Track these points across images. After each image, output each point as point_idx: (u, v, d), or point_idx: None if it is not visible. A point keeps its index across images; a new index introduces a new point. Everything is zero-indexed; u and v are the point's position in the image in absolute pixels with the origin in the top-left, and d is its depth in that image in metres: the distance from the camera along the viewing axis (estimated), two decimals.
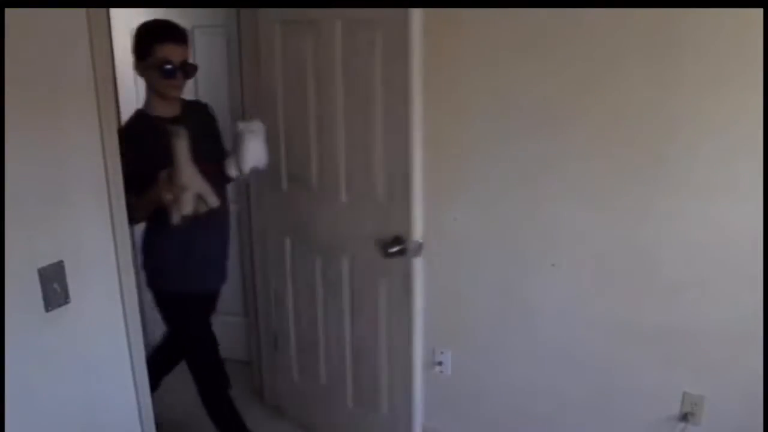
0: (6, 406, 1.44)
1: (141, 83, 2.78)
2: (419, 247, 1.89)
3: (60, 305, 1.59)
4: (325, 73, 1.98)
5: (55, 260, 1.56)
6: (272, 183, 2.29)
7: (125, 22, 2.71)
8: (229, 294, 2.92)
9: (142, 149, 1.82)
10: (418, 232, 1.90)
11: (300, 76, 2.06)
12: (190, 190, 1.77)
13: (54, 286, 1.57)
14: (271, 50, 2.12)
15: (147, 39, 1.88)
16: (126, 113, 2.81)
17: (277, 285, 2.44)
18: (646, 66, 1.74)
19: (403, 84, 1.78)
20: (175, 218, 1.80)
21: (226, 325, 2.98)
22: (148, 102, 1.97)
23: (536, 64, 1.86)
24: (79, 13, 1.57)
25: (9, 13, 1.35)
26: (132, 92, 2.79)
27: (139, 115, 1.98)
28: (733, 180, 1.73)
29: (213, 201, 1.86)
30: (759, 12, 1.57)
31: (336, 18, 1.89)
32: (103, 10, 1.68)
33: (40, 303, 1.54)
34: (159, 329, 3.13)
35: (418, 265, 1.94)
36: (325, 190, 2.12)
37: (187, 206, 1.78)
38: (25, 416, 1.53)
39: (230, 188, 2.77)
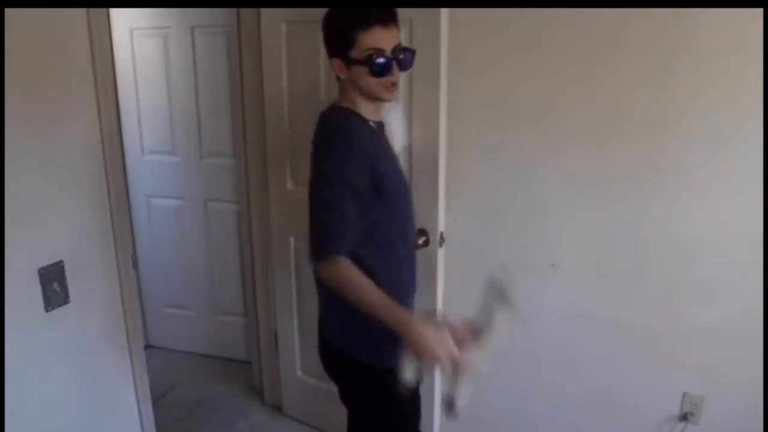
0: (6, 405, 1.44)
1: (141, 84, 2.81)
2: (442, 238, 1.94)
3: (60, 305, 1.59)
4: None
5: (55, 260, 1.57)
6: (277, 182, 2.29)
7: (125, 22, 2.71)
8: (229, 294, 2.93)
9: (372, 160, 1.35)
10: (442, 224, 1.93)
11: (309, 76, 2.05)
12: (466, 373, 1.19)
13: (54, 286, 1.57)
14: (277, 50, 2.12)
15: (346, 27, 1.34)
16: (126, 113, 2.84)
17: (280, 283, 2.44)
18: (644, 65, 1.73)
19: (433, 84, 1.80)
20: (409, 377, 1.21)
21: (226, 325, 2.99)
22: (350, 101, 1.42)
23: (534, 64, 1.86)
24: (79, 13, 1.58)
25: (9, 12, 1.36)
26: (132, 92, 2.80)
27: (351, 113, 1.41)
28: (733, 179, 1.73)
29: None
30: (757, 11, 1.58)
31: None
32: (103, 10, 1.68)
33: (40, 303, 1.55)
34: (159, 329, 3.16)
35: (442, 255, 1.97)
36: None
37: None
38: (26, 415, 1.54)
39: (231, 187, 2.78)
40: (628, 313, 1.93)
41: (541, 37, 1.83)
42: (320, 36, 2.04)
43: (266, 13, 2.12)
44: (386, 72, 1.34)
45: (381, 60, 1.32)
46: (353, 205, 1.28)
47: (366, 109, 1.42)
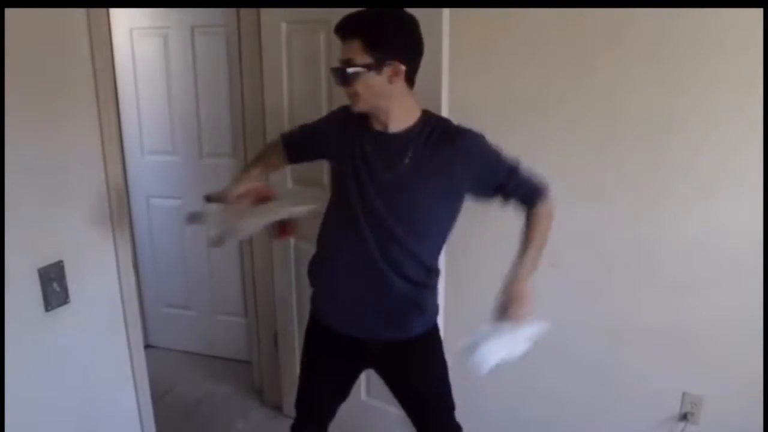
0: (6, 405, 1.44)
1: (141, 83, 2.81)
2: None
3: (60, 305, 1.59)
4: None
5: (55, 260, 1.57)
6: (276, 182, 2.29)
7: (125, 22, 2.71)
8: (229, 294, 2.93)
9: (327, 139, 1.62)
10: None
11: (309, 76, 2.06)
12: None
13: (54, 286, 1.57)
14: (277, 50, 2.12)
15: None
16: (126, 113, 2.84)
17: (280, 283, 2.45)
18: (647, 65, 1.73)
19: (434, 85, 1.79)
20: None
21: (226, 325, 3.00)
22: None
23: (536, 64, 1.86)
24: (79, 13, 1.58)
25: (9, 13, 1.36)
26: (132, 92, 2.80)
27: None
28: (733, 179, 1.73)
29: None
30: (759, 11, 1.58)
31: None
32: (103, 10, 1.68)
33: (40, 303, 1.55)
34: (159, 329, 3.16)
35: (443, 254, 1.96)
36: None
37: None
38: (26, 415, 1.53)
39: None
40: (628, 313, 1.93)
41: (542, 38, 1.83)
42: (320, 36, 2.05)
43: (266, 13, 2.12)
44: (338, 82, 1.45)
45: (332, 70, 1.46)
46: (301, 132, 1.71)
47: (372, 116, 1.51)
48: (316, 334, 1.71)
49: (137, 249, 2.95)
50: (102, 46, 1.66)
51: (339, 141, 1.55)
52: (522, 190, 1.55)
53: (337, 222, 1.60)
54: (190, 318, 3.06)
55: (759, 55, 1.60)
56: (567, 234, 1.96)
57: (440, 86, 1.81)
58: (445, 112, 1.82)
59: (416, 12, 1.77)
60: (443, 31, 1.77)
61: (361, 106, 1.46)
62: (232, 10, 2.36)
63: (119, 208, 1.77)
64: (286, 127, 2.18)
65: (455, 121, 1.92)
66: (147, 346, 2.95)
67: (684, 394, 1.92)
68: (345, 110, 1.56)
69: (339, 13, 1.93)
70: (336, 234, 1.60)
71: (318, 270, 1.66)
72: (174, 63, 2.72)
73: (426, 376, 1.69)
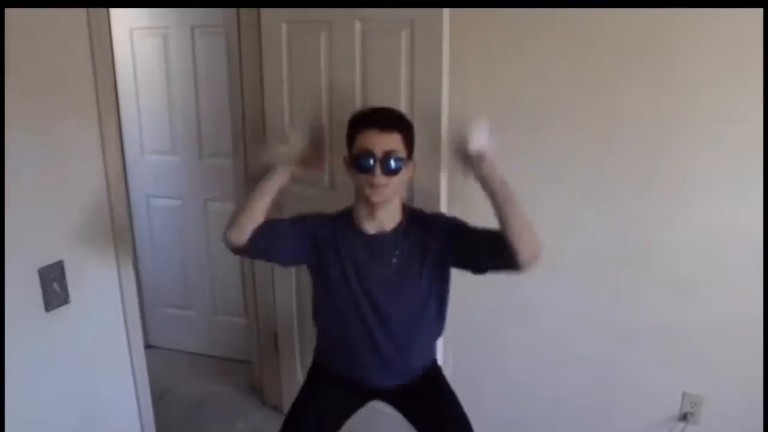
0: (6, 405, 1.45)
1: (141, 83, 2.81)
2: None
3: (60, 305, 1.60)
4: (341, 75, 1.99)
5: (55, 260, 1.57)
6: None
7: (125, 22, 2.71)
8: (229, 294, 2.93)
9: (317, 242, 1.59)
10: None
11: (309, 76, 2.06)
12: None
13: (54, 286, 1.57)
14: (277, 50, 2.12)
15: (350, 127, 1.53)
16: (126, 113, 2.84)
17: (280, 283, 2.44)
18: (649, 65, 1.73)
19: (434, 85, 1.82)
20: None
21: (226, 325, 2.99)
22: (353, 206, 1.61)
23: (535, 63, 1.86)
24: (79, 13, 1.58)
25: (9, 13, 1.36)
26: (132, 92, 2.80)
27: (337, 215, 1.64)
28: (734, 180, 1.73)
29: None
30: (759, 12, 1.58)
31: (355, 18, 1.90)
32: (103, 10, 1.68)
33: (40, 303, 1.55)
34: (159, 329, 3.16)
35: None
36: (338, 189, 2.12)
37: None
38: (25, 416, 1.54)
39: (231, 187, 2.78)
40: (627, 313, 1.93)
41: (542, 38, 1.83)
42: (320, 36, 2.05)
43: (266, 13, 2.12)
44: (367, 171, 1.46)
45: (364, 159, 1.46)
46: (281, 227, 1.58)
47: (362, 215, 1.57)
48: (319, 374, 1.77)
49: (137, 249, 2.95)
50: (102, 46, 1.66)
51: (329, 240, 1.58)
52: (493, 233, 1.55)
53: (333, 305, 1.65)
54: (190, 318, 3.06)
55: (761, 55, 1.60)
56: (567, 234, 1.96)
57: (440, 87, 1.81)
58: (444, 114, 1.83)
59: (416, 12, 1.79)
60: (443, 31, 1.77)
61: (385, 197, 1.50)
62: (232, 10, 2.36)
63: (119, 208, 1.77)
64: (286, 127, 2.18)
65: (455, 122, 1.94)
66: (147, 346, 2.94)
67: (684, 394, 1.92)
68: (320, 217, 1.63)
69: (339, 14, 1.95)
70: (334, 313, 1.66)
71: (322, 326, 1.76)
72: (174, 63, 2.72)
73: (442, 401, 1.74)
